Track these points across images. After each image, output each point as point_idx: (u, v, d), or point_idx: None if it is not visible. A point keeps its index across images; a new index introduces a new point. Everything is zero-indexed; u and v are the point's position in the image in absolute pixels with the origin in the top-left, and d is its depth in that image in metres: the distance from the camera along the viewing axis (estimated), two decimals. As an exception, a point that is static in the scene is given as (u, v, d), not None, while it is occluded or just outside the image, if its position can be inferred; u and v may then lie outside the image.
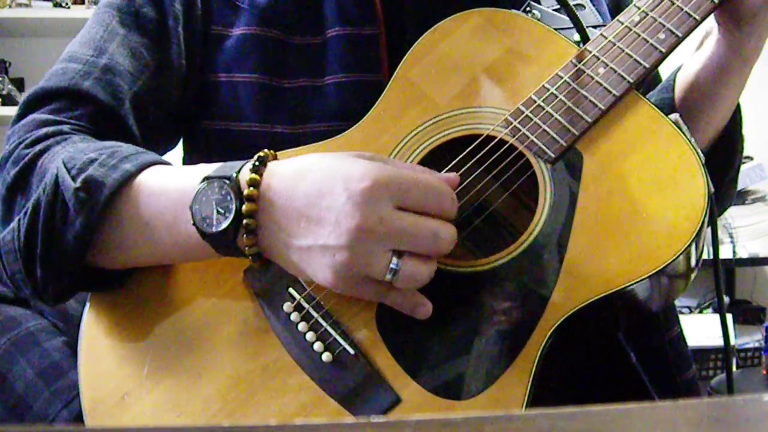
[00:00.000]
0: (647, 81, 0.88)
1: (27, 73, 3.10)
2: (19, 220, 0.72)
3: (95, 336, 0.73)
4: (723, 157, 0.90)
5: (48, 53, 2.97)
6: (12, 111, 3.01)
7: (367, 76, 0.84)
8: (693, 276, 0.72)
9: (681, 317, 0.93)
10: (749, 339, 2.67)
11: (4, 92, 2.93)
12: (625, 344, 0.83)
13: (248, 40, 0.85)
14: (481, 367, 0.66)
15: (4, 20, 2.99)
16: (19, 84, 3.06)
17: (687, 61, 0.89)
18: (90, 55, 0.82)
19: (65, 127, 0.78)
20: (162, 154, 0.85)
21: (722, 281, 0.79)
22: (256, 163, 0.67)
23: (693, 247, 0.67)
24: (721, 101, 0.86)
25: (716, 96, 0.85)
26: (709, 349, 2.48)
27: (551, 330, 0.65)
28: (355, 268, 0.63)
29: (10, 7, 2.97)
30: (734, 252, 2.70)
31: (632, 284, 0.65)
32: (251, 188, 0.66)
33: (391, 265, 0.63)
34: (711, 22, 0.83)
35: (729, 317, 0.82)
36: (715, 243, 0.76)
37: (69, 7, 3.00)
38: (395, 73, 0.79)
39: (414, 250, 0.63)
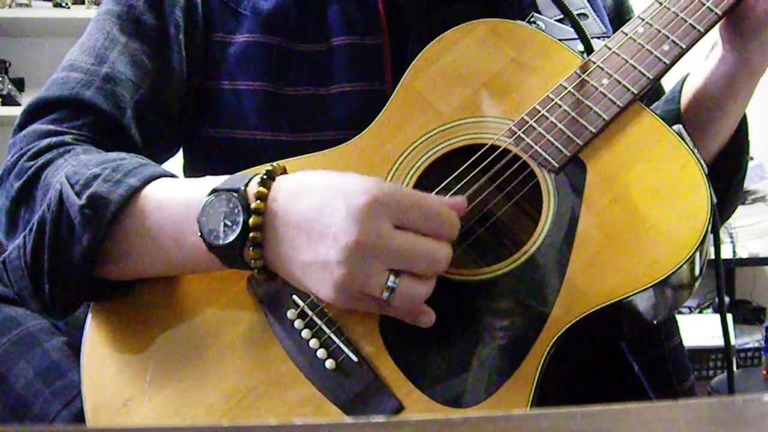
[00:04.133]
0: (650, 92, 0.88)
1: (27, 73, 3.10)
2: (25, 237, 0.72)
3: (98, 342, 0.73)
4: (729, 165, 0.90)
5: (48, 53, 2.98)
6: (12, 111, 3.03)
7: (372, 85, 0.84)
8: (697, 285, 0.72)
9: (681, 317, 0.93)
10: (749, 339, 2.67)
11: (4, 92, 2.92)
12: (627, 354, 0.83)
13: (251, 47, 0.85)
14: (484, 376, 0.66)
15: (4, 20, 2.98)
16: (19, 84, 3.06)
17: (693, 73, 0.90)
18: (91, 63, 0.82)
19: (67, 138, 0.77)
20: (163, 162, 0.85)
21: (723, 283, 0.79)
22: (264, 177, 0.67)
23: (696, 257, 0.67)
24: (728, 113, 0.86)
25: (723, 108, 0.86)
26: (709, 349, 2.47)
27: (554, 339, 0.65)
28: (353, 284, 0.63)
29: (10, 7, 2.97)
30: (734, 252, 2.70)
31: (634, 294, 0.65)
32: (258, 201, 0.66)
33: (389, 284, 0.63)
34: (717, 34, 0.83)
35: (729, 317, 0.82)
36: (717, 249, 0.76)
37: (69, 7, 3.00)
38: (400, 83, 0.79)
39: (411, 269, 0.63)
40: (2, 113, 2.88)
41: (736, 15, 0.79)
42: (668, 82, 0.93)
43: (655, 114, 0.73)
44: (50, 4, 3.00)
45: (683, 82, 0.90)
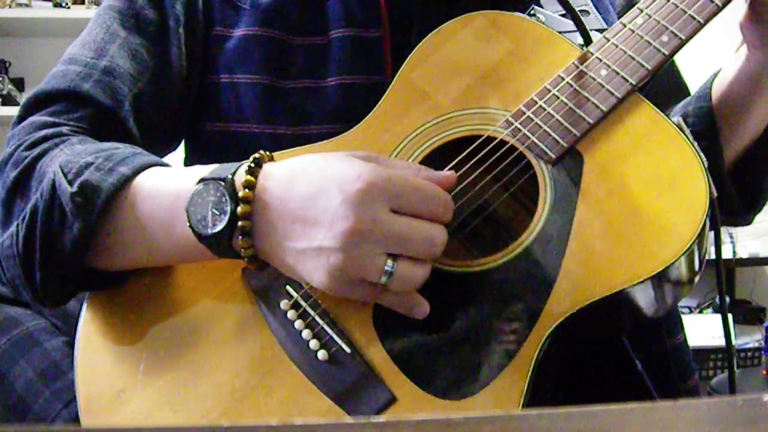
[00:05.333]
0: (668, 86, 0.87)
1: (27, 73, 3.10)
2: (18, 225, 0.72)
3: (92, 333, 0.73)
4: (763, 156, 0.90)
5: (48, 53, 2.98)
6: (12, 111, 3.04)
7: (371, 77, 0.83)
8: (696, 279, 0.72)
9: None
10: (749, 339, 2.67)
11: (4, 92, 2.93)
12: (630, 350, 0.83)
13: (250, 40, 0.85)
14: (477, 368, 0.65)
15: (4, 20, 2.99)
16: (19, 84, 3.07)
17: (724, 68, 0.89)
18: (90, 57, 0.82)
19: (64, 129, 0.77)
20: (163, 156, 0.85)
21: (724, 283, 0.78)
22: (252, 165, 0.67)
23: (695, 249, 0.66)
24: (758, 108, 0.86)
25: (752, 104, 0.86)
26: (709, 349, 2.48)
27: (549, 331, 0.65)
28: (349, 270, 0.63)
29: (10, 7, 2.98)
30: (734, 252, 2.71)
31: (631, 286, 0.65)
32: (246, 190, 0.65)
33: (386, 268, 0.62)
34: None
35: (729, 317, 0.81)
36: (718, 246, 0.76)
37: (69, 7, 3.00)
38: (398, 75, 0.79)
39: (408, 253, 0.63)
40: (2, 113, 2.88)
41: (755, 16, 0.79)
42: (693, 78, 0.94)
43: (654, 106, 0.72)
44: (50, 4, 3.01)
45: (713, 79, 0.90)
